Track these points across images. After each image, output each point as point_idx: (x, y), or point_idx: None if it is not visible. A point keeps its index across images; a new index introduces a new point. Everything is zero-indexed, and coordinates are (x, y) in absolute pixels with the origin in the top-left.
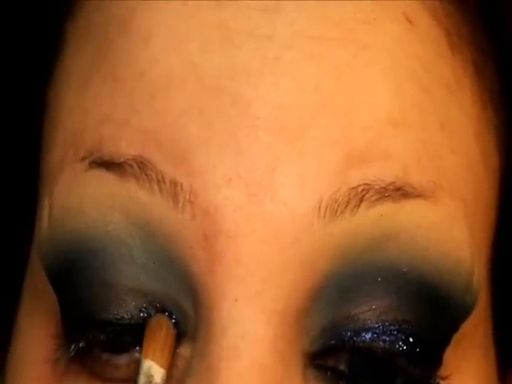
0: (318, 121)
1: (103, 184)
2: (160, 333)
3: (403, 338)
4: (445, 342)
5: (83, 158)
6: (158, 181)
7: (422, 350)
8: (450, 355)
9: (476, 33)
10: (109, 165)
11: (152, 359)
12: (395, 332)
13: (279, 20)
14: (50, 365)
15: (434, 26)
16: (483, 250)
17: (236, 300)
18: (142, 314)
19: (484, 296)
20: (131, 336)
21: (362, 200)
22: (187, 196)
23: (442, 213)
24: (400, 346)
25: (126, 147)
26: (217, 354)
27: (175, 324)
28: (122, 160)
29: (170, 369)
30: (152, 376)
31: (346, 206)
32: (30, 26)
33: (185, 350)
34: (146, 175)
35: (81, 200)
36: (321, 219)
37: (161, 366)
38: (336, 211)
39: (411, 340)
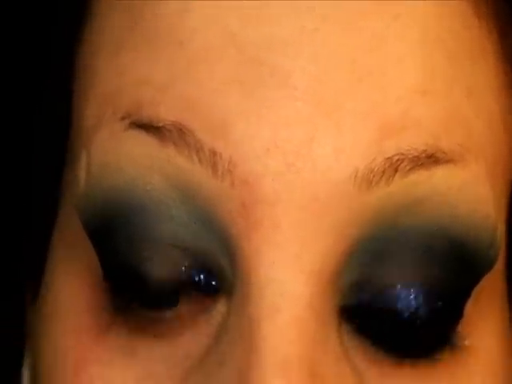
0: (354, 93)
1: (142, 145)
2: None
3: (428, 294)
4: (466, 294)
5: (122, 118)
6: (197, 149)
7: (444, 305)
8: (470, 309)
9: (500, 1)
10: (148, 127)
11: None
12: (419, 292)
13: None
14: (93, 314)
15: None
16: (503, 207)
17: (273, 263)
18: (182, 269)
19: (502, 251)
20: (172, 291)
21: (396, 170)
22: (226, 165)
23: (470, 174)
24: (423, 306)
25: (164, 112)
26: (257, 312)
27: (213, 280)
28: (161, 124)
29: (204, 323)
30: None
31: (382, 176)
32: None
33: (221, 306)
34: (185, 142)
35: (119, 158)
36: (356, 188)
37: None
38: (371, 181)
39: (436, 296)
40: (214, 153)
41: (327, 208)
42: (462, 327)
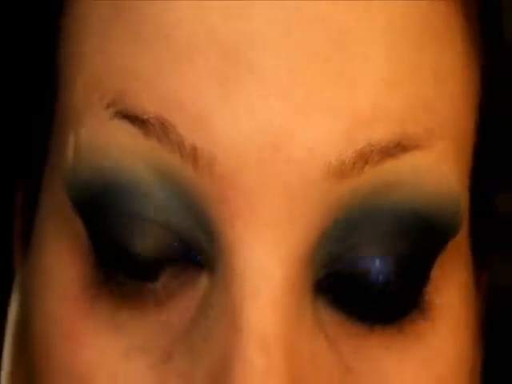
0: (325, 89)
1: (127, 135)
2: None
3: (397, 264)
4: (433, 260)
5: (108, 106)
6: (179, 144)
7: (412, 272)
8: (436, 274)
9: None
10: (133, 119)
11: None
12: (387, 260)
13: None
14: (82, 286)
15: None
16: (466, 177)
17: (253, 247)
18: (166, 245)
19: (466, 215)
20: (156, 265)
21: (367, 161)
22: (206, 160)
23: (435, 155)
24: (391, 273)
25: (148, 105)
26: (239, 293)
27: (195, 255)
28: (145, 117)
29: (186, 297)
30: None
31: (353, 167)
32: None
33: (203, 280)
34: (168, 137)
35: (106, 143)
36: (328, 180)
37: None
38: (343, 172)
39: (404, 265)
40: (194, 148)
41: (301, 197)
42: (429, 291)
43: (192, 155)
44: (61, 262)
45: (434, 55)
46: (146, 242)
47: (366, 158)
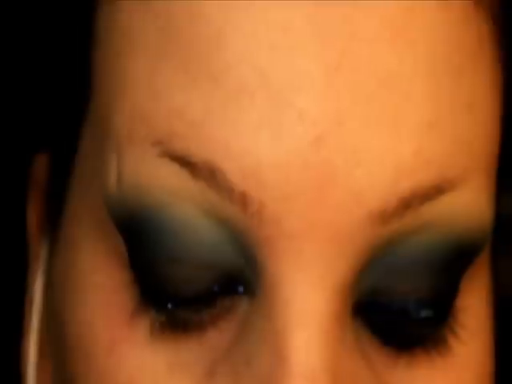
0: (370, 136)
1: (174, 175)
2: None
3: (431, 304)
4: (461, 278)
5: (154, 144)
6: (228, 190)
7: (445, 297)
8: (464, 285)
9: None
10: (180, 161)
11: None
12: (425, 302)
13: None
14: (122, 297)
15: None
16: (494, 186)
17: (298, 281)
18: (209, 281)
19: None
20: (198, 298)
21: (409, 207)
22: (256, 207)
23: (472, 191)
24: (428, 311)
25: (196, 150)
26: (283, 324)
27: (237, 285)
28: (193, 160)
29: (227, 321)
30: None
31: (395, 214)
32: None
33: (243, 305)
34: (216, 182)
35: (151, 182)
36: (371, 225)
37: None
38: (385, 219)
39: (438, 294)
40: (244, 195)
41: (346, 241)
42: (456, 305)
43: (241, 201)
44: (99, 270)
45: (470, 85)
46: (190, 281)
47: (408, 204)
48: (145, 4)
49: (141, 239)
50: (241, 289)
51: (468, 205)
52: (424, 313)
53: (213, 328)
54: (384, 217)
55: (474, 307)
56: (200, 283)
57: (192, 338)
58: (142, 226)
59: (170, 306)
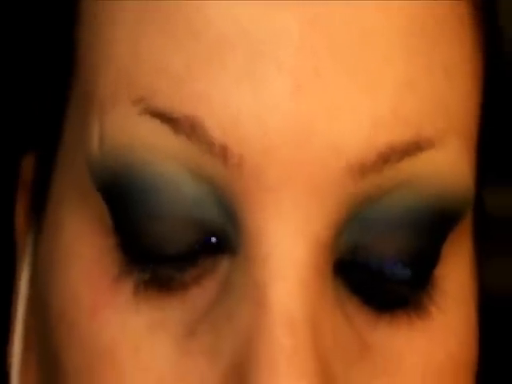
0: (349, 91)
1: (156, 132)
2: None
3: (411, 264)
4: (443, 243)
5: (136, 102)
6: (208, 144)
7: (425, 259)
8: (446, 249)
9: None
10: (162, 117)
11: None
12: (405, 261)
13: None
14: (105, 263)
15: None
16: (474, 168)
17: (278, 232)
18: (190, 237)
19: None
20: (180, 256)
21: (386, 162)
22: (236, 160)
23: (450, 152)
24: (408, 271)
25: (178, 105)
26: (263, 275)
27: (218, 242)
28: (175, 116)
29: (209, 280)
30: None
31: (373, 168)
32: None
33: (225, 264)
34: (197, 136)
35: (133, 141)
36: (350, 178)
37: None
38: (364, 172)
39: (417, 263)
40: (224, 148)
41: (324, 192)
42: (437, 269)
43: (222, 154)
44: (82, 241)
45: (446, 49)
46: (173, 239)
47: (385, 159)
48: None
49: (123, 200)
50: (223, 247)
51: (447, 165)
52: (402, 274)
53: (196, 287)
54: (363, 170)
55: (455, 276)
56: (182, 241)
57: (175, 298)
58: (124, 186)
59: (152, 265)
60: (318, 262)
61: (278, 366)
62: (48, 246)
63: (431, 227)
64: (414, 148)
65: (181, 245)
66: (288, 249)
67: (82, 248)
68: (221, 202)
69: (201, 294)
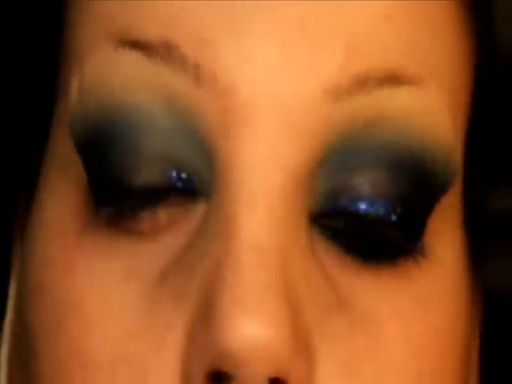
0: (326, 15)
1: (131, 63)
2: None
3: (393, 208)
4: (428, 208)
5: (112, 37)
6: (182, 62)
7: (409, 216)
8: (432, 224)
9: None
10: (136, 45)
11: None
12: (386, 203)
13: None
14: (75, 220)
15: None
16: (460, 133)
17: (250, 159)
18: (164, 176)
19: (459, 179)
20: (154, 196)
21: (362, 87)
22: (208, 76)
23: (432, 98)
24: (390, 215)
25: (152, 29)
26: (234, 206)
27: (192, 183)
28: (148, 38)
29: (183, 224)
30: None
31: (348, 92)
32: None
33: (200, 207)
34: (171, 57)
35: (110, 77)
36: (324, 101)
37: None
38: (338, 96)
39: (401, 207)
40: (197, 65)
41: (298, 115)
42: (424, 239)
43: (194, 73)
44: (60, 208)
45: (428, 4)
46: (143, 176)
47: (361, 83)
48: None
49: (99, 145)
50: (194, 186)
51: (428, 110)
52: (384, 221)
53: (168, 231)
54: (337, 93)
55: (444, 252)
56: (153, 176)
57: (147, 245)
58: (100, 128)
59: (120, 199)
60: (291, 195)
61: (243, 283)
62: (32, 233)
63: (412, 173)
64: (391, 78)
65: (151, 179)
66: (260, 175)
67: (59, 218)
68: (196, 139)
69: (174, 240)
